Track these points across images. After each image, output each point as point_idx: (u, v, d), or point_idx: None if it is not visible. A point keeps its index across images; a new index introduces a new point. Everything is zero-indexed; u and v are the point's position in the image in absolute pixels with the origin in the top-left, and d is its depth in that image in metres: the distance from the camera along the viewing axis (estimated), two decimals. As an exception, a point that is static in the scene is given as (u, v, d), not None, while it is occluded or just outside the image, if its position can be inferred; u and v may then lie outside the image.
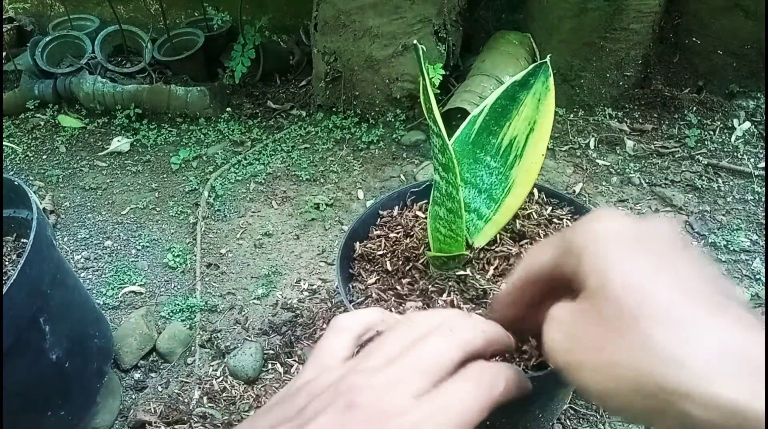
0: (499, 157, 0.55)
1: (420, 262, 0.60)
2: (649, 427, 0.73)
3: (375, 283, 0.59)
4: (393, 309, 0.54)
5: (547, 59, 0.52)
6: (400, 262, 0.60)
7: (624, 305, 0.28)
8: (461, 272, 0.55)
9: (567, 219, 0.63)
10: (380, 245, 0.63)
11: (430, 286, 0.56)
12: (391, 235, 0.64)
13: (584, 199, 1.27)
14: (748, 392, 0.24)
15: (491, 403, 0.27)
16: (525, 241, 0.59)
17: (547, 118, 0.52)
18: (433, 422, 0.25)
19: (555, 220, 0.64)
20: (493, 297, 0.53)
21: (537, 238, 0.59)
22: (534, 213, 0.64)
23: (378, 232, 0.66)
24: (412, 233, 0.64)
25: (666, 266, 0.29)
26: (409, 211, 0.68)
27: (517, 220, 0.61)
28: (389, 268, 0.60)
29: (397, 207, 0.69)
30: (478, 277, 0.55)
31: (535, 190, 0.66)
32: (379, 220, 0.67)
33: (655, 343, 0.27)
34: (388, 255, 0.62)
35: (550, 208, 0.65)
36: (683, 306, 0.27)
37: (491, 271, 0.56)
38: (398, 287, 0.58)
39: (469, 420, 0.26)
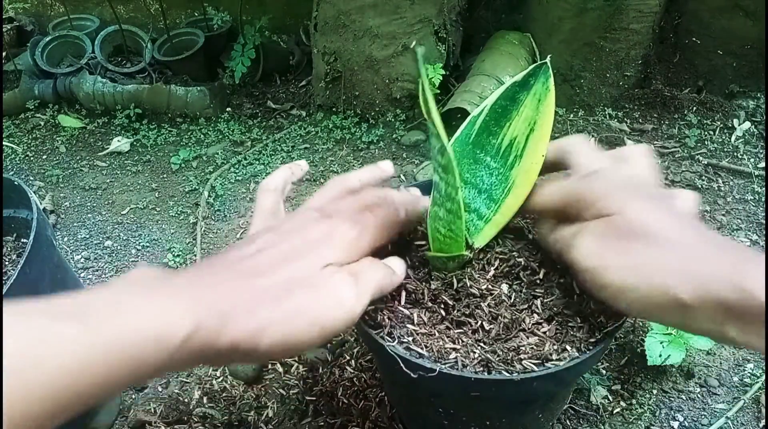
0: (499, 158, 0.54)
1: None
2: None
3: None
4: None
5: (547, 60, 0.52)
6: None
7: (644, 226, 0.40)
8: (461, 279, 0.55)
9: None
10: None
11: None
12: None
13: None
14: (727, 288, 0.35)
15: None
16: (525, 241, 0.59)
17: (547, 118, 0.52)
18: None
19: None
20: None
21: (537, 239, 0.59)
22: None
23: None
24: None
25: (661, 203, 0.42)
26: None
27: (519, 219, 0.61)
28: None
29: None
30: (477, 276, 0.55)
31: None
32: None
33: (666, 255, 0.39)
34: None
35: None
36: (681, 231, 0.40)
37: (492, 272, 0.56)
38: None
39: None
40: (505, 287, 0.55)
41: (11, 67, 1.73)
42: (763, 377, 0.88)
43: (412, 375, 0.48)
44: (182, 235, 1.30)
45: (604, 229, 0.42)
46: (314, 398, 0.92)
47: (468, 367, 0.49)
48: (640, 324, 0.94)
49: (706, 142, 1.38)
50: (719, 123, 1.42)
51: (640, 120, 1.47)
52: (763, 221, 1.17)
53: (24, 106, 1.72)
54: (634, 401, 0.86)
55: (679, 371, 0.89)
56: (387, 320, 0.53)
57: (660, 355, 0.83)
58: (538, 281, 0.55)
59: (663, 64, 1.52)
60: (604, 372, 0.90)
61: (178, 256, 1.23)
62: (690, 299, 0.36)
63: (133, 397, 0.98)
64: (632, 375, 0.89)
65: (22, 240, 0.87)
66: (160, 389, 0.99)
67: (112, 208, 1.39)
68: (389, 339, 0.51)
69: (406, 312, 0.53)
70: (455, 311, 0.53)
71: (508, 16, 1.67)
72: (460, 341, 0.51)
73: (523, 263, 0.56)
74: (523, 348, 0.50)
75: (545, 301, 0.53)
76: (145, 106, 1.66)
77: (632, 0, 1.35)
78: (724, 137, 1.39)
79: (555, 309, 0.52)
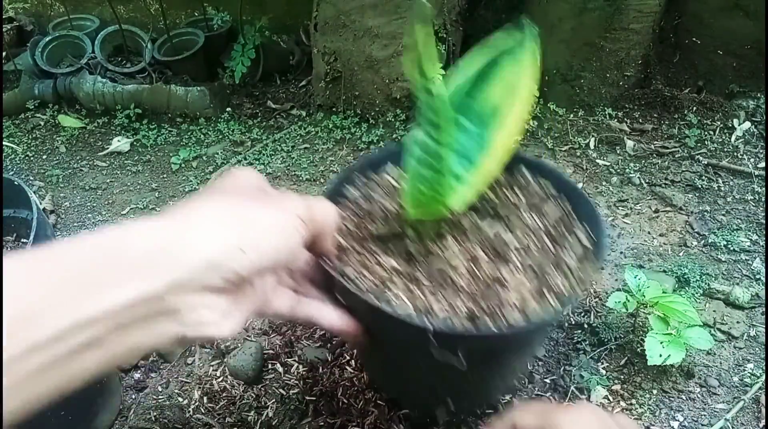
0: (479, 122, 0.55)
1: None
2: None
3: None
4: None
5: (527, 21, 0.53)
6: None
7: None
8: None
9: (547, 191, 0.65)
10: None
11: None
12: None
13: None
14: None
15: None
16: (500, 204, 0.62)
17: (528, 82, 0.52)
18: None
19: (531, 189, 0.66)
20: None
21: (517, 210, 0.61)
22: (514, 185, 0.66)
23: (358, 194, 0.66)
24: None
25: None
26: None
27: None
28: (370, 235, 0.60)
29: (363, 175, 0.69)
30: (454, 237, 0.57)
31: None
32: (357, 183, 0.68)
33: None
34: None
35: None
36: None
37: (468, 232, 0.58)
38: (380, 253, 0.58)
39: None
40: (481, 246, 0.56)
41: (11, 67, 1.73)
42: (763, 377, 0.88)
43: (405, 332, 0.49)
44: (182, 235, 1.30)
45: None
46: (314, 398, 0.92)
47: (454, 321, 0.50)
48: (640, 324, 0.94)
49: (706, 142, 1.38)
50: (719, 123, 1.42)
51: (640, 120, 1.47)
52: (763, 221, 1.17)
53: (24, 106, 1.72)
54: (634, 401, 0.86)
55: (679, 371, 0.89)
56: (370, 283, 0.53)
57: (660, 355, 0.83)
58: (514, 238, 0.57)
59: (663, 64, 1.52)
60: (604, 372, 0.90)
61: (178, 256, 1.23)
62: None
63: (134, 397, 0.98)
64: (632, 375, 0.89)
65: (22, 240, 0.87)
66: (159, 389, 0.99)
67: (112, 208, 1.39)
68: (372, 297, 0.51)
69: (387, 274, 0.54)
70: (435, 271, 0.54)
71: (508, 16, 1.67)
72: (444, 299, 0.52)
73: (499, 223, 0.58)
74: (506, 300, 0.51)
75: (521, 257, 0.55)
76: (145, 106, 1.66)
77: (632, 0, 1.36)
78: (724, 137, 1.39)
79: (532, 262, 0.54)
